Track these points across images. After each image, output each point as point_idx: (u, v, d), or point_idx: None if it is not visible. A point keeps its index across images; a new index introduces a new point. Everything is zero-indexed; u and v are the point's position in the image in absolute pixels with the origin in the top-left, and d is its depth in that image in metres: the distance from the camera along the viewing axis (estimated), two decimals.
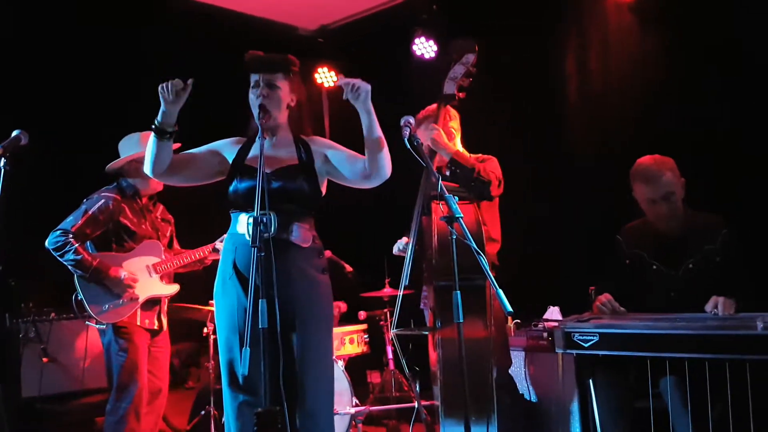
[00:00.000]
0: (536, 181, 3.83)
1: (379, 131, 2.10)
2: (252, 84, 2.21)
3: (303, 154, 2.23)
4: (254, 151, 2.22)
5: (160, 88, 2.04)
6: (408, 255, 2.60)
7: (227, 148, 2.27)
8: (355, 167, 2.18)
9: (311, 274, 2.17)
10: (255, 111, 2.19)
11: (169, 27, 4.17)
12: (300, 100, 2.27)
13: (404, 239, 2.76)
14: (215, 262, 2.33)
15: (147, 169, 2.17)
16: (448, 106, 2.76)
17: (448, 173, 2.74)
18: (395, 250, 2.81)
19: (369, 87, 2.04)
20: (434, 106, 2.75)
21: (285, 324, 2.04)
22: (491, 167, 2.66)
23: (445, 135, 2.72)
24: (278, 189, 2.08)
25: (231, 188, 2.19)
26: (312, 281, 2.16)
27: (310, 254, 2.18)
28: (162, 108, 2.07)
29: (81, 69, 4.00)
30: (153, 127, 2.09)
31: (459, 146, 2.79)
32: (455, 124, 2.83)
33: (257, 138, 2.13)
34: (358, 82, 2.03)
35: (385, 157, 2.12)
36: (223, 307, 2.17)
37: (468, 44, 2.70)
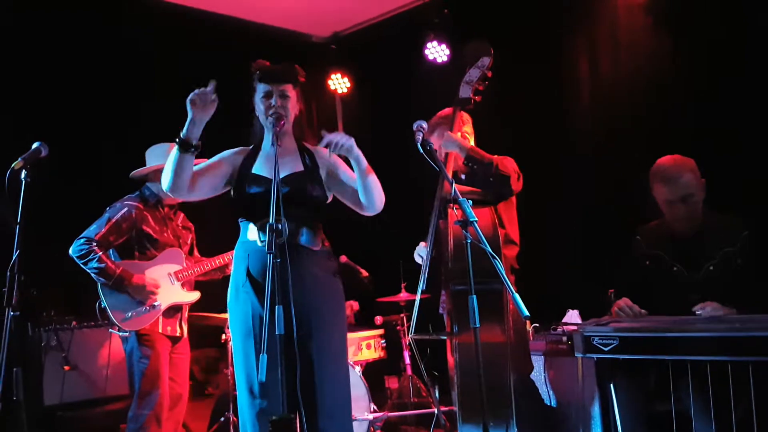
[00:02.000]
0: (552, 181, 3.82)
1: (369, 175, 2.18)
2: (262, 94, 2.25)
3: (308, 160, 2.28)
4: (261, 159, 2.27)
5: (190, 97, 2.04)
6: (425, 259, 2.61)
7: (233, 158, 2.30)
8: (353, 195, 2.25)
9: (324, 277, 2.21)
10: (264, 119, 2.24)
11: (184, 35, 4.24)
12: (302, 109, 2.33)
13: (422, 245, 2.78)
14: None
15: (165, 184, 2.17)
16: (462, 111, 2.77)
17: (463, 177, 2.76)
18: (416, 257, 2.80)
19: (351, 140, 2.12)
20: (449, 109, 2.77)
21: (301, 328, 2.07)
22: (508, 162, 2.65)
23: None
24: (287, 195, 2.10)
25: (241, 197, 2.22)
26: (326, 285, 2.21)
27: (322, 257, 2.23)
28: (189, 117, 2.07)
29: (99, 77, 4.05)
30: (177, 139, 2.10)
31: None
32: (468, 128, 2.84)
33: (270, 146, 2.17)
34: (339, 138, 2.10)
35: (377, 196, 2.21)
36: (238, 315, 2.20)
37: (483, 47, 2.70)
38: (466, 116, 2.83)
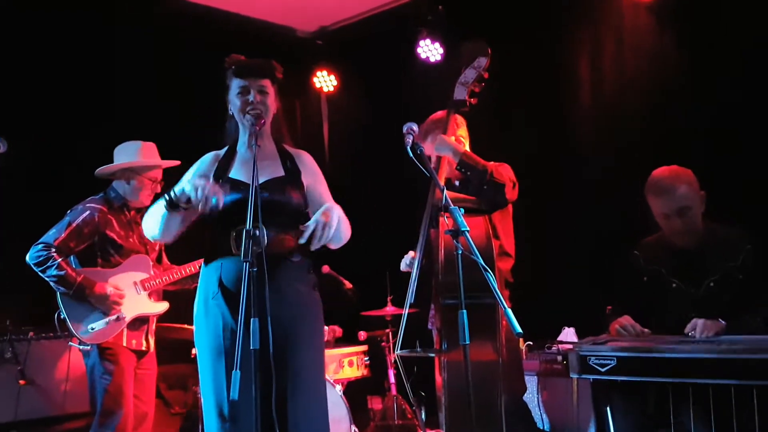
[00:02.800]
0: (549, 191, 3.85)
1: (342, 228, 2.17)
2: (238, 89, 2.23)
3: (288, 164, 2.27)
4: (238, 162, 2.25)
5: (194, 183, 2.02)
6: (414, 270, 2.62)
7: (211, 166, 2.27)
8: None
9: (304, 290, 2.20)
10: (241, 117, 2.22)
11: (164, 28, 4.25)
12: (279, 107, 2.32)
13: (411, 254, 2.78)
14: None
15: (151, 235, 2.22)
16: (457, 113, 2.79)
17: (457, 183, 2.77)
18: (403, 266, 2.81)
19: (328, 228, 2.04)
20: (443, 112, 2.78)
21: (277, 344, 2.05)
22: (503, 170, 2.67)
23: None
24: (267, 201, 2.08)
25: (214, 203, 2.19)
26: (305, 298, 2.20)
27: (301, 269, 2.21)
28: (184, 193, 2.05)
29: (65, 70, 4.06)
30: (166, 198, 2.11)
31: None
32: (463, 132, 2.85)
33: (248, 147, 2.16)
34: (317, 231, 2.03)
35: (344, 239, 2.24)
36: (207, 329, 2.17)
37: (480, 47, 2.72)
38: (460, 119, 2.84)
